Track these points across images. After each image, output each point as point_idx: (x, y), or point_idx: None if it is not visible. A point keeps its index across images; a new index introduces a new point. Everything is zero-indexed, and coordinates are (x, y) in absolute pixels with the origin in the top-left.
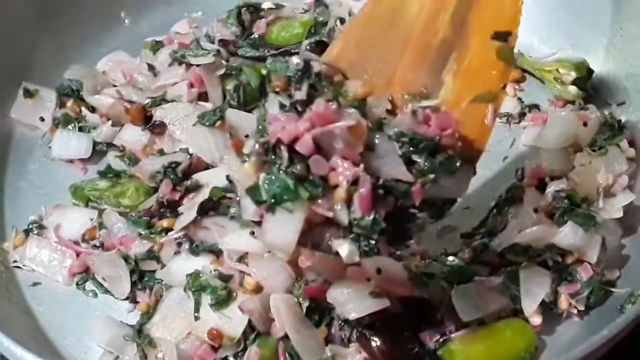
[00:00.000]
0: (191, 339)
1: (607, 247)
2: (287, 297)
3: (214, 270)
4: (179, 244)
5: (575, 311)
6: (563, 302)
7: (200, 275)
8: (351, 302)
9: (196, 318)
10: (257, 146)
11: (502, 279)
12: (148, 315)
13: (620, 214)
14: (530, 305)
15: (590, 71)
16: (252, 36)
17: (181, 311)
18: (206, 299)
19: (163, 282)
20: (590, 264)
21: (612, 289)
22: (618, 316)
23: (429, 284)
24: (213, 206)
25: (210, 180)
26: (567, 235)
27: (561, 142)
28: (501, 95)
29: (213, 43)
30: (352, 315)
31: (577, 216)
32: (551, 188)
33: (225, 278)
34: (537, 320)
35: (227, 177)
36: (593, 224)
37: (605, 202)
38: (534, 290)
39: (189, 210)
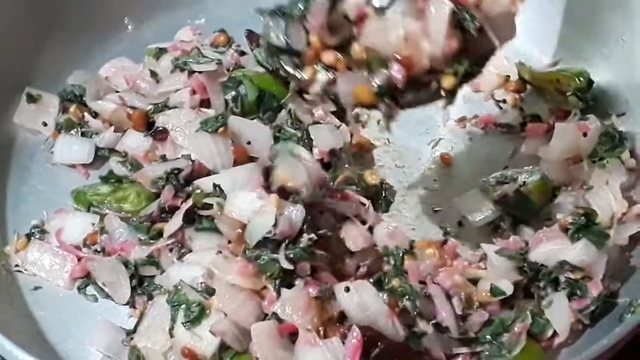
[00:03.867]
0: (175, 353)
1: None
2: (267, 325)
3: (201, 283)
4: (171, 250)
5: (580, 326)
6: (570, 317)
7: (180, 288)
8: None
9: (171, 335)
10: None
11: (530, 319)
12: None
13: (625, 242)
14: (563, 333)
15: (591, 82)
16: None
17: (163, 323)
18: (181, 315)
19: (162, 288)
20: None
21: (615, 300)
22: (618, 325)
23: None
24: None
25: (211, 186)
26: (581, 251)
27: (565, 153)
28: None
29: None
30: None
31: (592, 233)
32: (560, 200)
33: (212, 291)
34: None
35: (214, 184)
36: (605, 243)
37: (616, 229)
38: (560, 319)
39: (176, 217)
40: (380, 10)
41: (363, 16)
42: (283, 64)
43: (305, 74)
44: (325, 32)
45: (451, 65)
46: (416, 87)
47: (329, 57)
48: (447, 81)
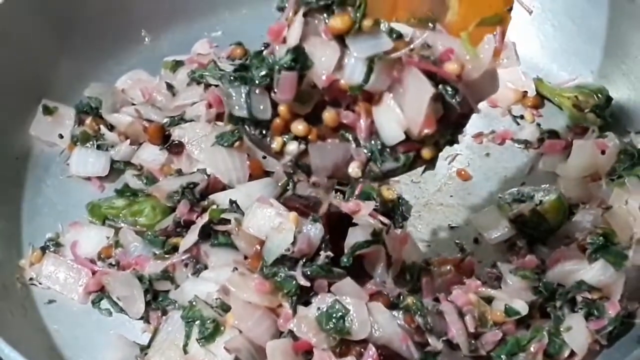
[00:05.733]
0: None
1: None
2: (283, 343)
3: (216, 299)
4: (186, 265)
5: (597, 347)
6: (588, 338)
7: (194, 303)
8: None
9: (185, 351)
10: None
11: (546, 339)
12: (151, 338)
13: None
14: (580, 354)
15: (610, 98)
16: None
17: (178, 339)
18: (195, 332)
19: (177, 303)
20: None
21: (633, 321)
22: (636, 347)
23: None
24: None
25: (227, 201)
26: (598, 271)
27: (583, 171)
28: (507, 17)
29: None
30: None
31: (610, 254)
32: (578, 218)
33: (227, 307)
34: None
35: (230, 200)
36: (624, 264)
37: (635, 250)
38: (578, 341)
39: (191, 232)
40: (357, 89)
41: (333, 83)
42: (249, 134)
43: (273, 145)
44: (295, 104)
45: (432, 137)
46: (395, 158)
47: (299, 127)
48: (428, 153)
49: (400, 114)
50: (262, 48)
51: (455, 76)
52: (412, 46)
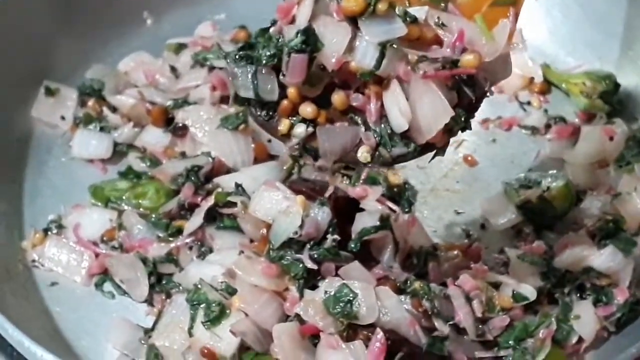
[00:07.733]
0: (193, 352)
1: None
2: (289, 327)
3: (222, 282)
4: (190, 248)
5: (605, 334)
6: (596, 325)
7: (199, 287)
8: None
9: (190, 334)
10: None
11: (554, 325)
12: (155, 321)
13: None
14: (589, 339)
15: (617, 85)
16: None
17: (182, 322)
18: (200, 315)
19: (181, 286)
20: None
21: None
22: None
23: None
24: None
25: (232, 184)
26: (607, 258)
27: (591, 157)
28: None
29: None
30: None
31: (620, 240)
32: (586, 204)
33: (232, 291)
34: None
35: (236, 183)
36: (633, 250)
37: None
38: (587, 328)
39: (196, 215)
40: (368, 74)
41: (344, 65)
42: (255, 115)
43: (280, 127)
44: (304, 86)
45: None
46: (405, 143)
47: (307, 109)
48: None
49: (405, 105)
50: (268, 25)
51: (475, 69)
52: (428, 55)
